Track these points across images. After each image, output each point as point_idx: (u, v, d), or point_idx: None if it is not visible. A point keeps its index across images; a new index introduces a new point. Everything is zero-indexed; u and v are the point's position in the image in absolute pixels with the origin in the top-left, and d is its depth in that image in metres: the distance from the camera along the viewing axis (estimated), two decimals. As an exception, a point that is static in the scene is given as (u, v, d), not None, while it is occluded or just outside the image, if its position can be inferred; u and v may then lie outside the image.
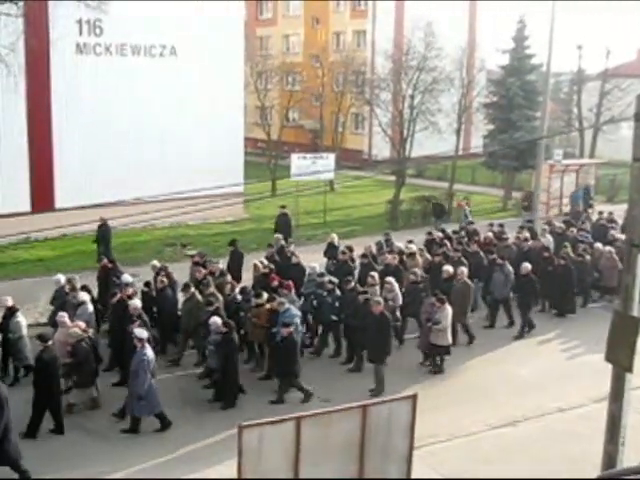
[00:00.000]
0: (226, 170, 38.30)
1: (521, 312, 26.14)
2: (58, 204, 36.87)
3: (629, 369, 12.98)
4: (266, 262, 25.94)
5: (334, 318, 23.10)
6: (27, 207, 36.84)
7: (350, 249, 27.81)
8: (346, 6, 70.09)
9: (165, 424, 18.51)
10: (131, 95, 39.09)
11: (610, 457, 13.45)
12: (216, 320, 20.05)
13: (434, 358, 22.61)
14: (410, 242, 29.59)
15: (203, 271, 24.75)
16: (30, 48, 35.12)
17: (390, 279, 23.98)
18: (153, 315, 23.05)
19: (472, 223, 35.71)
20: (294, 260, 26.57)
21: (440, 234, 31.34)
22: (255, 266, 25.43)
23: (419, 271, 25.62)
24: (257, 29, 76.55)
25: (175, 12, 39.42)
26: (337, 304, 23.08)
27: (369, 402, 14.91)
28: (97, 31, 38.23)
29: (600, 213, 36.68)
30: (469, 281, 24.91)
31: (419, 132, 49.45)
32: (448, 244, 29.38)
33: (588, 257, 29.24)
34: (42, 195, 37.47)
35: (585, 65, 64.95)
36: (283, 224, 34.58)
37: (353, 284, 23.47)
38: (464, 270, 24.95)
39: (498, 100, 51.28)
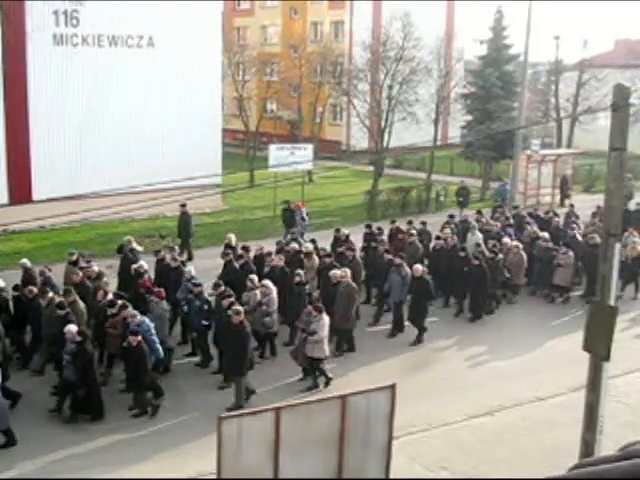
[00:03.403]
0: (204, 161, 38.17)
1: (417, 317, 24.46)
2: (36, 196, 36.65)
3: (606, 358, 13.07)
4: (146, 266, 24.43)
5: (205, 323, 21.72)
6: (5, 199, 36.64)
7: (247, 249, 26.40)
8: (324, -4, 70.00)
9: (11, 441, 17.46)
10: (108, 86, 38.82)
11: (588, 445, 13.55)
12: (71, 328, 18.63)
13: (313, 373, 20.90)
14: (312, 241, 28.17)
15: (81, 274, 23.27)
16: (6, 39, 34.91)
17: (266, 282, 22.67)
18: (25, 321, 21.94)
19: (307, 227, 34.04)
20: (173, 264, 25.00)
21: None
22: (136, 271, 24.08)
23: (302, 272, 24.15)
24: (235, 20, 76.30)
25: (152, 3, 39.19)
26: (205, 308, 21.70)
27: (348, 393, 14.93)
28: (74, 22, 37.94)
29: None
30: (353, 284, 23.30)
31: (397, 123, 49.46)
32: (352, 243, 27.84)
33: (501, 255, 27.75)
34: (20, 187, 37.23)
35: (562, 55, 65.33)
36: (184, 223, 33.17)
37: (223, 288, 21.87)
38: (347, 272, 23.34)
39: (476, 90, 51.33)
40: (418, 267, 24.52)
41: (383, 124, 48.77)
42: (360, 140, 62.05)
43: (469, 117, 53.01)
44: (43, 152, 37.58)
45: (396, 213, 41.34)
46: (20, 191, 37.07)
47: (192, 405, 19.83)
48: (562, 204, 44.14)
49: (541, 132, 68.39)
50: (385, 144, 49.55)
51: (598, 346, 13.04)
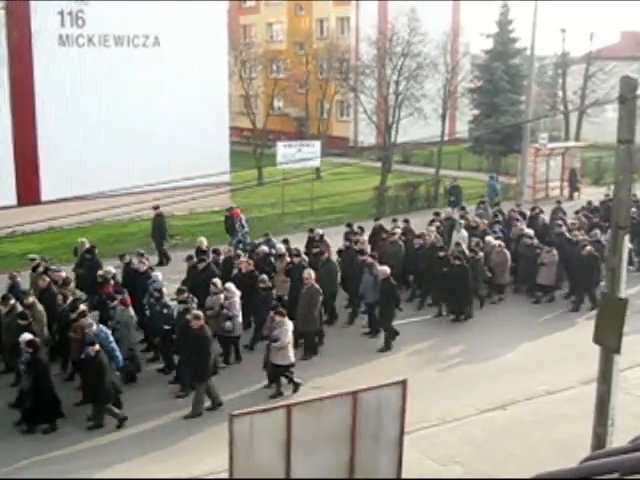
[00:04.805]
0: (212, 159, 38.23)
1: (382, 320, 23.88)
2: (44, 197, 36.76)
3: (617, 350, 13.05)
4: (113, 271, 23.91)
5: (166, 327, 21.04)
6: (13, 200, 36.72)
7: (217, 253, 26.06)
8: (329, -8, 69.92)
9: None
10: (115, 86, 38.91)
11: (599, 438, 13.53)
12: (25, 337, 18.29)
13: (277, 380, 20.30)
14: (285, 242, 27.46)
15: (47, 280, 22.59)
16: (12, 40, 34.96)
17: (229, 285, 22.26)
18: None
19: (247, 234, 31.93)
20: (141, 268, 24.27)
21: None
22: (101, 277, 23.37)
23: (266, 277, 23.63)
24: (240, 17, 76.28)
25: (158, 2, 39.22)
26: (166, 312, 21.15)
27: (359, 389, 14.92)
28: (79, 22, 38.03)
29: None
30: (317, 285, 22.60)
31: (404, 118, 49.41)
32: (328, 242, 27.47)
33: (481, 254, 27.00)
34: (28, 188, 37.35)
35: (569, 48, 65.12)
36: (158, 226, 32.57)
37: (186, 294, 21.37)
38: (311, 273, 22.81)
39: (483, 85, 51.38)
40: (385, 269, 23.69)
41: (390, 120, 48.75)
42: (368, 136, 62.02)
43: (476, 111, 53.01)
44: (50, 153, 37.66)
45: (405, 209, 41.37)
46: (28, 192, 37.16)
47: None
48: (571, 197, 44.11)
49: (549, 125, 68.35)
50: (393, 140, 49.52)
51: (609, 338, 13.02)
